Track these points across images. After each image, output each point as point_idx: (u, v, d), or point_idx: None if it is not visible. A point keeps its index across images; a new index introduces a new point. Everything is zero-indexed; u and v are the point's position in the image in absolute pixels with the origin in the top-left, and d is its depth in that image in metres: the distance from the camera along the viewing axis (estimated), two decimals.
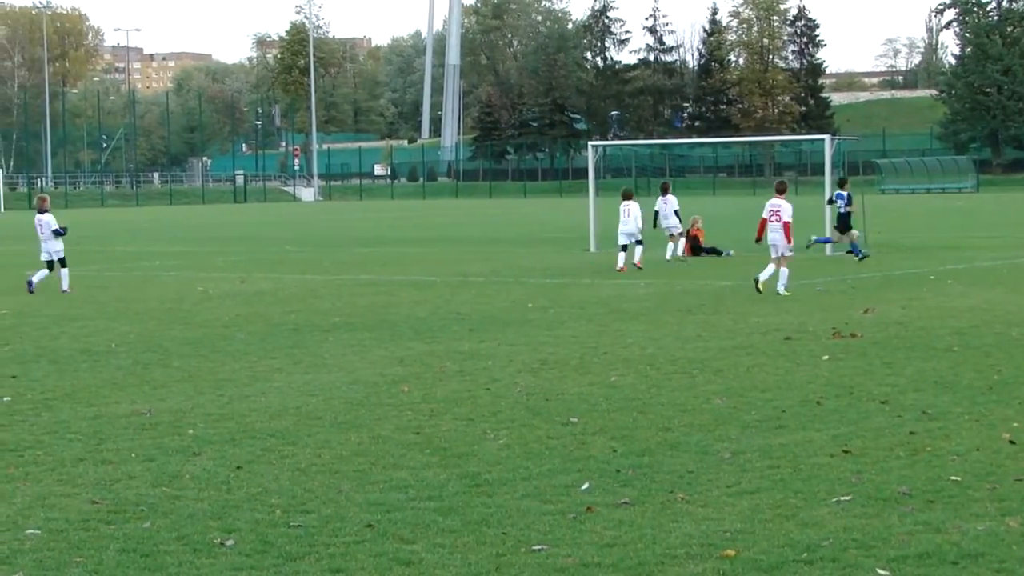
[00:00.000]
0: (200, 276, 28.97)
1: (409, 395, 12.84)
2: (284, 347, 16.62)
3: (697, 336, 17.00)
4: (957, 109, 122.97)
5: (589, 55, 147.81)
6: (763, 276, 22.47)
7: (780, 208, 22.75)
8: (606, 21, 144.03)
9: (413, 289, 24.85)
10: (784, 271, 22.40)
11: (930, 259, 30.11)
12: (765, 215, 23.00)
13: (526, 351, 15.82)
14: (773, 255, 22.65)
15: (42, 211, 25.99)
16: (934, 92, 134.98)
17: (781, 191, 23.31)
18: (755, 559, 7.32)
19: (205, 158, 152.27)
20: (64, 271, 25.33)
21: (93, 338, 17.94)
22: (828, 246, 32.20)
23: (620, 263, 28.73)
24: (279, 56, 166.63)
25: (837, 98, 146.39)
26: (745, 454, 9.95)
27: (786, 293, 22.06)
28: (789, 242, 22.65)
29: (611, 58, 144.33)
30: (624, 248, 28.95)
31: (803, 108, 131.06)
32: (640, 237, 29.09)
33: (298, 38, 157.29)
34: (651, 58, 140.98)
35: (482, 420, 11.50)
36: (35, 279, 25.14)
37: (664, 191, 33.34)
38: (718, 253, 32.99)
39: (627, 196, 30.01)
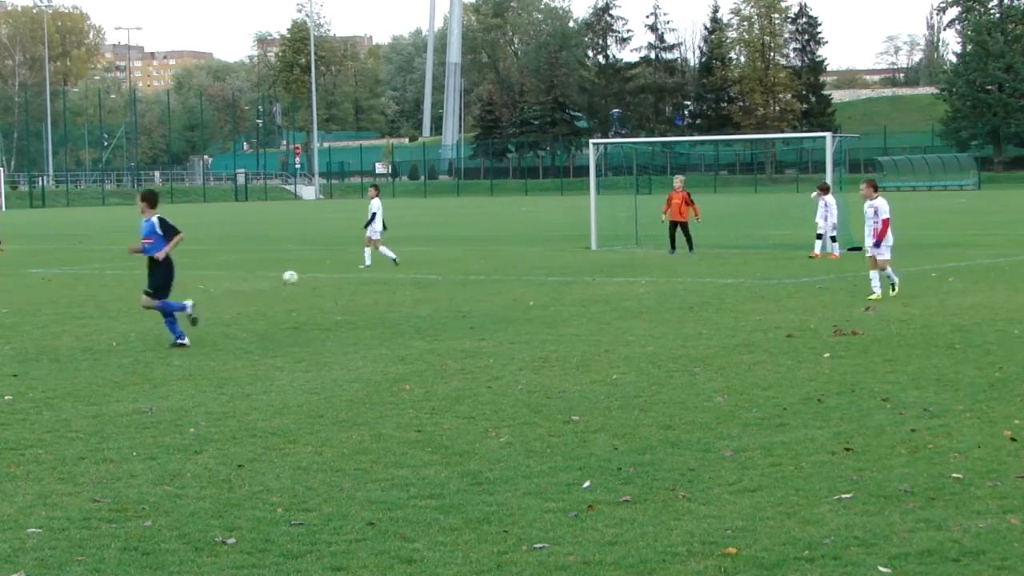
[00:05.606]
0: (201, 274, 28.95)
1: (410, 393, 12.83)
2: (285, 345, 16.62)
3: (698, 334, 16.99)
4: (958, 107, 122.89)
5: (590, 53, 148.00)
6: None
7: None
8: (607, 19, 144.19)
9: (414, 287, 24.84)
10: None
11: (931, 256, 30.08)
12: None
13: (527, 349, 15.82)
14: None
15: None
16: (935, 90, 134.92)
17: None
18: (756, 557, 7.32)
19: (206, 156, 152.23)
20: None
21: (94, 337, 17.94)
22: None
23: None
24: (280, 54, 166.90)
25: (838, 96, 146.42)
26: (746, 452, 9.95)
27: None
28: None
29: (612, 56, 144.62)
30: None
31: (804, 106, 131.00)
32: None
33: (299, 36, 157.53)
34: (652, 56, 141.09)
35: (483, 418, 11.50)
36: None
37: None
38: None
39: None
